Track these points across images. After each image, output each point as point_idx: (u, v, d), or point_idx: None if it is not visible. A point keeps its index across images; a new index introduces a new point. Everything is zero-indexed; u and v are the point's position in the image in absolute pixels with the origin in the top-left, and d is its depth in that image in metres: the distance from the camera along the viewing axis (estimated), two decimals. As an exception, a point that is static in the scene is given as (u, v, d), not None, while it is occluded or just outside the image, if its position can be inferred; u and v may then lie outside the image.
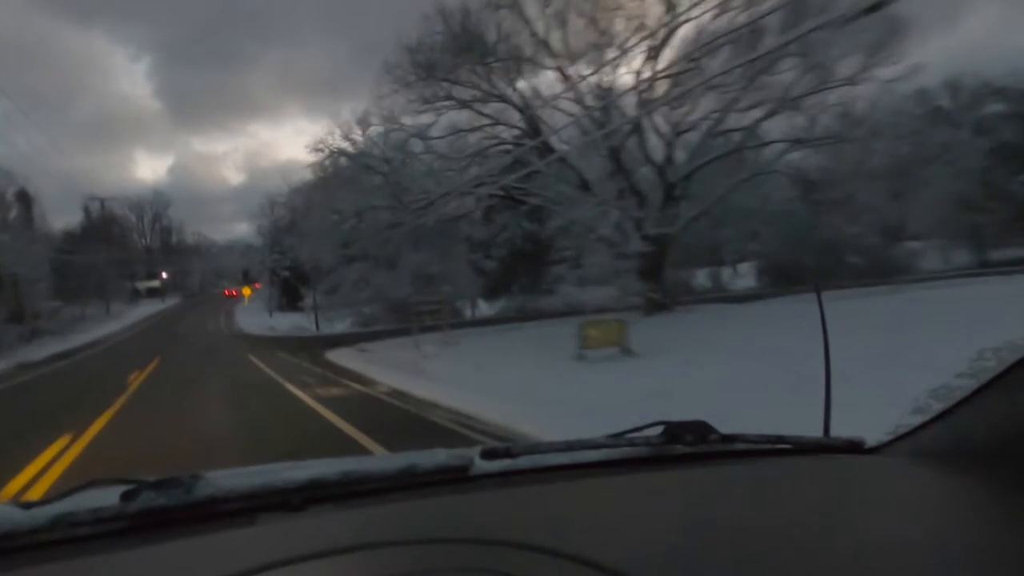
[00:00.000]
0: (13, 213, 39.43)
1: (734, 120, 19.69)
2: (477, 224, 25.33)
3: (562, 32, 18.93)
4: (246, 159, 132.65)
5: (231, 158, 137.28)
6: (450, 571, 0.75)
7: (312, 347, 21.47)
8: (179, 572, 0.80)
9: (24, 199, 41.24)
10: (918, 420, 1.13)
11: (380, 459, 1.64)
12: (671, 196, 20.06)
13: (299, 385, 11.16)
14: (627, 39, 17.97)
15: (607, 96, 18.40)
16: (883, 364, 7.21)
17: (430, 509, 0.98)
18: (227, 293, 69.09)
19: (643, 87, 18.61)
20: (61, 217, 64.74)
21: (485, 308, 34.07)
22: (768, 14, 12.47)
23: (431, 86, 19.46)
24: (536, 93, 20.19)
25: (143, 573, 0.81)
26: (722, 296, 29.20)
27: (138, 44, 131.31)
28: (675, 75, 18.23)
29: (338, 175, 22.26)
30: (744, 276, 36.71)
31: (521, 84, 20.15)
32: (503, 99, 20.17)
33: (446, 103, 20.08)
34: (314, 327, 33.39)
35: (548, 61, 19.23)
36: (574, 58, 18.95)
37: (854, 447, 1.20)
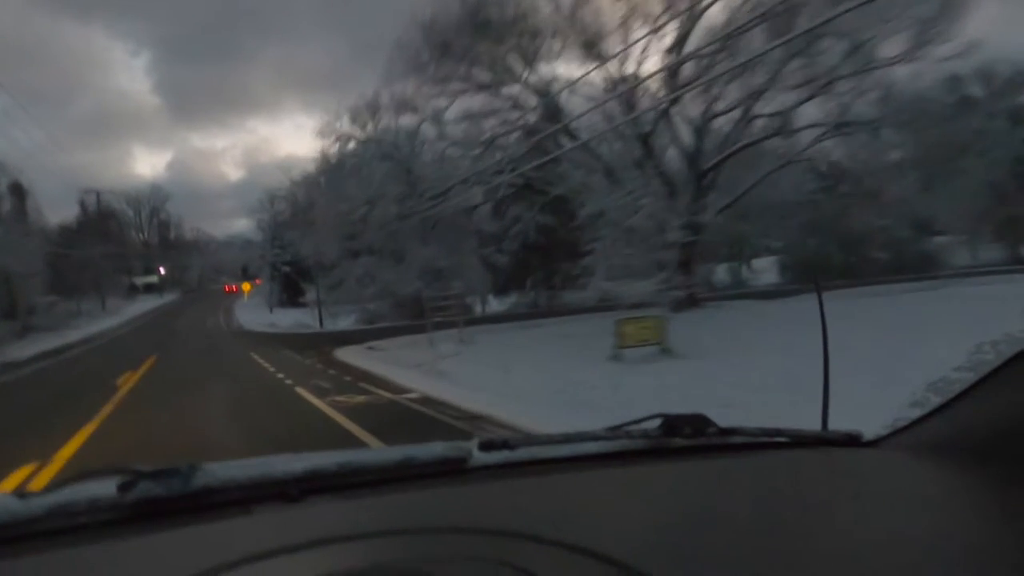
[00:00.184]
0: (6, 206, 38.54)
1: (767, 105, 18.60)
2: (488, 217, 24.29)
3: (587, 8, 17.80)
4: (245, 155, 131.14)
5: (230, 154, 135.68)
6: (446, 560, 0.74)
7: (319, 345, 20.27)
8: (175, 561, 0.78)
9: (18, 192, 40.26)
10: (916, 413, 1.11)
11: (378, 451, 1.46)
12: (700, 186, 18.93)
13: (315, 391, 9.64)
14: (657, 17, 16.85)
15: (634, 79, 17.27)
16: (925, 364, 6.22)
17: (427, 500, 0.97)
18: (226, 289, 68.19)
19: (672, 69, 17.50)
20: (59, 212, 63.28)
21: (495, 304, 33.07)
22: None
23: (445, 66, 18.26)
24: (556, 76, 19.06)
25: (140, 562, 0.80)
26: (744, 292, 28.14)
27: (137, 39, 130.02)
28: (707, 55, 17.13)
29: (345, 163, 21.07)
30: (764, 272, 35.64)
31: (541, 66, 19.00)
32: (521, 82, 19.00)
33: (461, 85, 18.90)
34: (317, 324, 32.36)
35: (572, 38, 18.02)
36: (599, 38, 17.82)
37: (852, 440, 1.19)
